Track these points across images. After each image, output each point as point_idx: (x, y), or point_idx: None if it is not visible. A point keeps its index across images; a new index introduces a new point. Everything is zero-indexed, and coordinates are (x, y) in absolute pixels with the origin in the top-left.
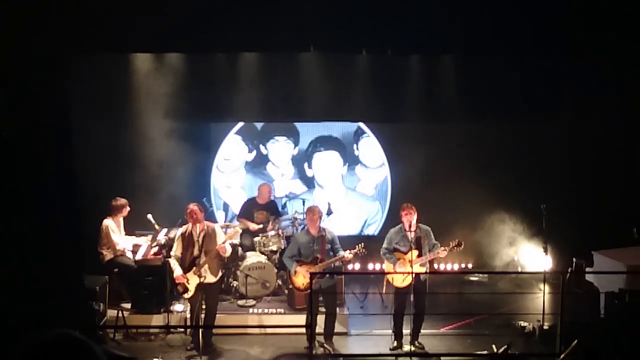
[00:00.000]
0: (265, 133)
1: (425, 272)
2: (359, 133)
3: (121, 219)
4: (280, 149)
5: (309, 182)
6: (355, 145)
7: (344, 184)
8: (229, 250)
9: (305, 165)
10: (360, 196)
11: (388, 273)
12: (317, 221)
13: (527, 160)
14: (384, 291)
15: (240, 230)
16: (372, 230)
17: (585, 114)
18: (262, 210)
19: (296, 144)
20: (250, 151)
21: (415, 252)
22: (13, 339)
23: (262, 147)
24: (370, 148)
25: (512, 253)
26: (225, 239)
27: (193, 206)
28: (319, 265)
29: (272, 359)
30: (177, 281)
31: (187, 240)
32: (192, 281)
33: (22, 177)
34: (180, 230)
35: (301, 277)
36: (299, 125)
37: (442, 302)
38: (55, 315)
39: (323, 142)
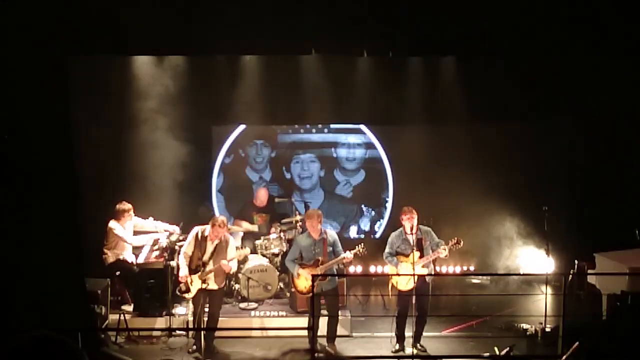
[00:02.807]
0: (243, 136)
1: (429, 274)
2: (338, 135)
3: (126, 225)
4: (258, 153)
5: (288, 186)
6: (333, 149)
7: (322, 186)
8: (234, 268)
9: (284, 168)
10: (339, 199)
11: (390, 275)
12: (317, 225)
13: (529, 162)
14: (389, 295)
15: (248, 252)
16: (353, 233)
17: (587, 115)
18: (261, 213)
19: (274, 147)
20: (228, 154)
21: (417, 254)
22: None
23: (240, 151)
24: (348, 151)
25: (514, 255)
26: (233, 258)
27: (222, 222)
28: (320, 267)
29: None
30: (180, 280)
31: (199, 242)
32: (195, 284)
33: (22, 179)
34: (197, 229)
35: (303, 280)
36: (277, 128)
37: (444, 305)
38: (57, 318)
39: (301, 146)
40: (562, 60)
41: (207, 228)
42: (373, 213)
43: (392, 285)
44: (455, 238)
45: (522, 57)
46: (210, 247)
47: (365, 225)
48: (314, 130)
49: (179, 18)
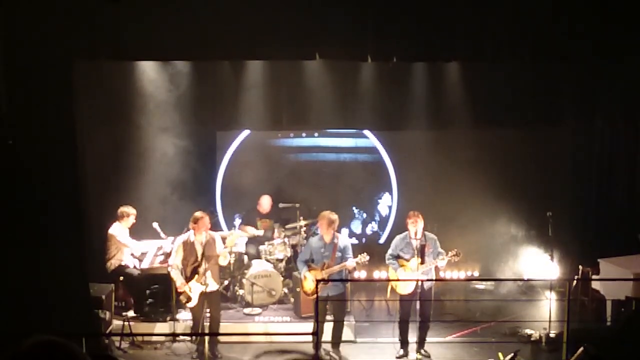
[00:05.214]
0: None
1: (430, 280)
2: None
3: (127, 229)
4: None
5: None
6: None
7: None
8: (228, 257)
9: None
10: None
11: (394, 280)
12: (327, 227)
13: (533, 167)
14: (387, 297)
15: (240, 237)
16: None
17: (591, 120)
18: (265, 219)
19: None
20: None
21: (418, 260)
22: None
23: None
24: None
25: (518, 261)
26: (225, 247)
27: (200, 214)
28: (324, 271)
29: None
30: (179, 290)
31: (189, 248)
32: (195, 290)
33: (26, 184)
34: (182, 238)
35: (309, 282)
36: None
37: (449, 310)
38: (61, 323)
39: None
40: (566, 66)
41: (190, 234)
42: (364, 215)
43: (392, 288)
44: (455, 250)
45: (526, 62)
46: (200, 249)
47: (356, 227)
48: (303, 134)
49: (183, 23)
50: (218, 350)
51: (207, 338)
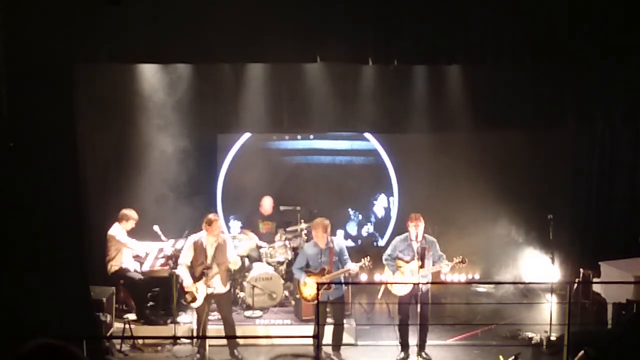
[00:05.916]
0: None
1: (428, 283)
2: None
3: (125, 231)
4: None
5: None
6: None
7: None
8: (239, 263)
9: None
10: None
11: (394, 283)
12: (323, 234)
13: (534, 170)
14: (379, 296)
15: (254, 245)
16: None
17: (591, 121)
18: (267, 221)
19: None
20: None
21: (417, 263)
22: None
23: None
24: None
25: (518, 263)
26: (239, 254)
27: (214, 216)
28: (325, 276)
29: None
30: (186, 290)
31: (199, 249)
32: (201, 291)
33: (27, 187)
34: (193, 238)
35: (309, 288)
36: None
37: (449, 313)
38: (62, 326)
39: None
40: (567, 68)
41: (203, 235)
42: (360, 217)
43: (387, 289)
44: (461, 257)
45: (526, 64)
46: (210, 251)
47: (352, 229)
48: (299, 137)
49: (183, 26)
50: (238, 352)
51: (207, 341)
